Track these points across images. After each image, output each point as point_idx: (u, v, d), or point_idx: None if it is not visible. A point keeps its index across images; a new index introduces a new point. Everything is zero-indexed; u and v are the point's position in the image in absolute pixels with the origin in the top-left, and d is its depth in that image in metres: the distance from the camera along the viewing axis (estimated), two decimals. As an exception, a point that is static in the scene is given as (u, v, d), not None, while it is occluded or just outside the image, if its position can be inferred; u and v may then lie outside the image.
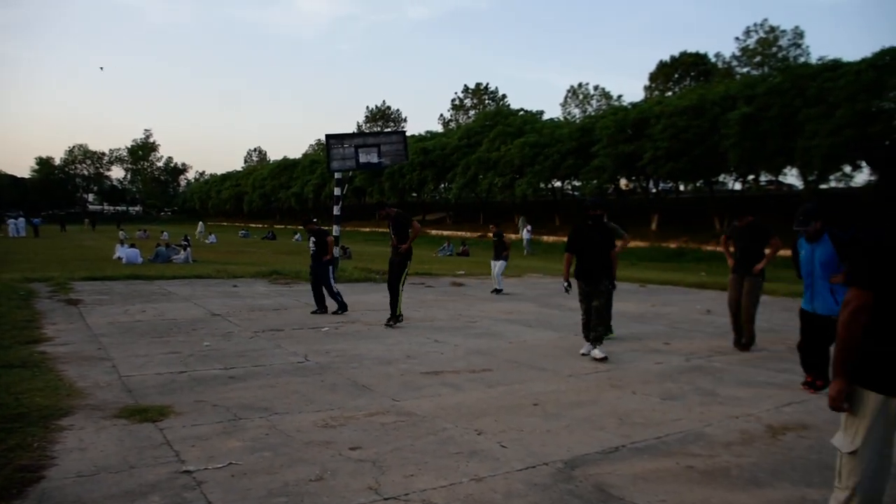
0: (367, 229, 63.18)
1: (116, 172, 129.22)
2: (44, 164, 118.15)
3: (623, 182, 46.05)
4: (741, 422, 5.54)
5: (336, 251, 18.66)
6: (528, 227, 39.61)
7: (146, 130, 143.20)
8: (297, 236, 53.57)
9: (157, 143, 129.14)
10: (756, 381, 7.06)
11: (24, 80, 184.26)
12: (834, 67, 31.74)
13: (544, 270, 21.70)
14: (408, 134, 33.99)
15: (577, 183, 50.14)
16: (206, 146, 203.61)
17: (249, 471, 4.13)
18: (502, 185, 48.96)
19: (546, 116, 56.31)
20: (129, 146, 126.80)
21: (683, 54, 68.81)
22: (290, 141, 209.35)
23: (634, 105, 44.42)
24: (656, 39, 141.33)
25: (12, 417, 4.90)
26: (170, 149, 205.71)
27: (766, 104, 32.76)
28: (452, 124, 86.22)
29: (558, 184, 52.48)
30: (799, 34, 62.79)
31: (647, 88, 71.85)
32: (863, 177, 34.42)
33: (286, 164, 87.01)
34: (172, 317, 10.22)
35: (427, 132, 67.25)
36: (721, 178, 43.35)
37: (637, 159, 38.22)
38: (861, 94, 28.82)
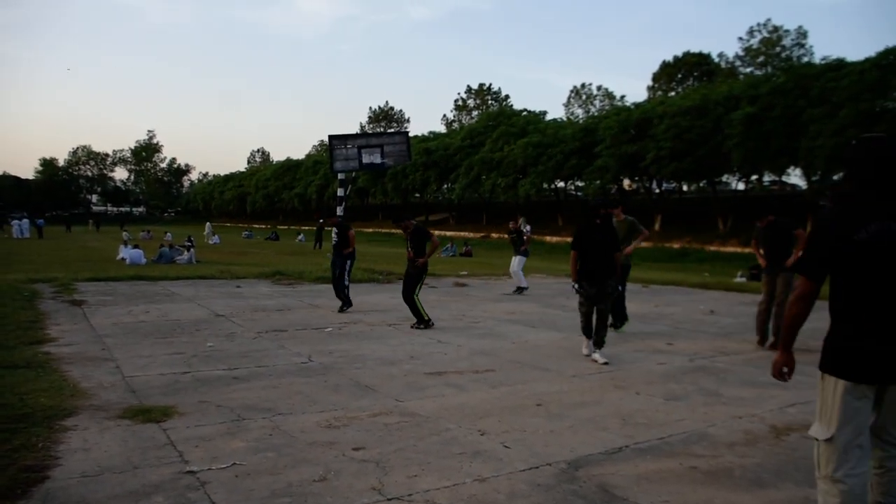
0: (371, 230, 63.31)
1: (120, 173, 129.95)
2: (47, 165, 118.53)
3: (626, 182, 46.06)
4: (745, 422, 5.54)
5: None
6: (528, 228, 39.57)
7: (149, 131, 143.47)
8: (300, 237, 53.63)
9: (160, 144, 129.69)
10: (760, 382, 7.05)
11: (27, 80, 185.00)
12: (838, 67, 31.75)
13: (547, 271, 21.69)
14: (411, 134, 34.01)
15: (580, 183, 50.16)
16: (210, 147, 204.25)
17: (253, 471, 4.13)
18: (505, 186, 49.00)
19: (549, 117, 56.45)
20: (132, 147, 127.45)
21: (687, 54, 68.85)
22: (294, 142, 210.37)
23: (637, 105, 44.46)
24: (659, 39, 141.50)
25: (17, 418, 4.91)
26: (173, 150, 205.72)
27: (769, 104, 32.76)
28: (455, 125, 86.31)
29: (561, 184, 52.54)
30: (802, 34, 62.88)
31: (650, 88, 71.98)
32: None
33: (289, 165, 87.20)
34: (176, 317, 10.23)
35: (430, 133, 67.39)
36: (724, 178, 43.42)
37: (640, 159, 38.24)
38: (865, 93, 28.83)
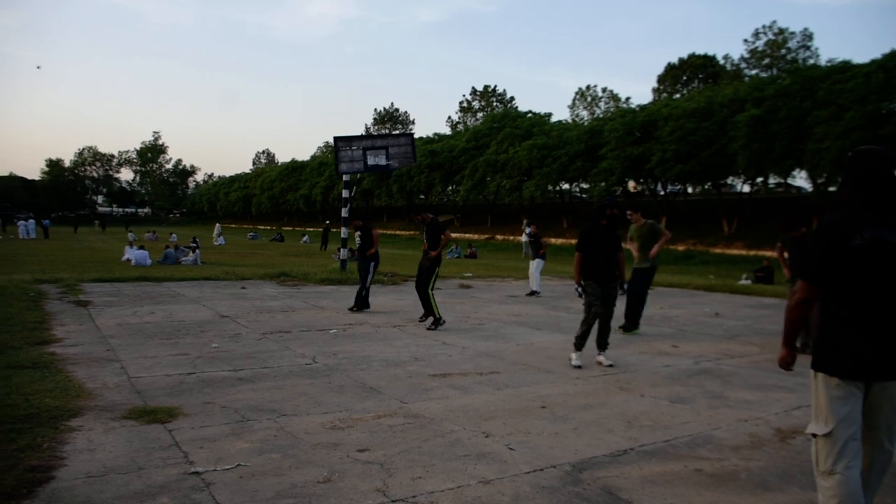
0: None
1: (125, 174, 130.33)
2: (54, 166, 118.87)
3: (631, 184, 46.00)
4: (750, 425, 5.52)
5: (343, 252, 18.79)
6: (528, 230, 39.51)
7: (155, 132, 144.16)
8: (305, 238, 53.69)
9: (165, 145, 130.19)
10: (765, 385, 7.04)
11: (33, 82, 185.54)
12: (843, 69, 31.70)
13: (552, 273, 21.65)
14: (416, 136, 34.03)
15: (585, 185, 50.11)
16: (215, 148, 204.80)
17: (258, 472, 4.14)
18: (510, 188, 48.97)
19: (554, 119, 56.30)
20: (138, 148, 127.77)
21: (692, 56, 68.85)
22: (299, 143, 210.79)
23: (643, 107, 44.41)
24: (664, 41, 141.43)
25: (22, 418, 4.93)
26: (179, 151, 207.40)
27: (774, 106, 32.72)
28: (460, 126, 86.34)
29: (566, 186, 52.47)
30: (808, 36, 62.83)
31: (655, 90, 71.99)
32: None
33: (294, 167, 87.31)
34: (181, 318, 10.24)
35: (435, 134, 67.35)
36: (729, 180, 43.31)
37: (645, 161, 38.21)
38: (871, 96, 28.77)
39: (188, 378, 6.54)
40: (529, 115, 56.33)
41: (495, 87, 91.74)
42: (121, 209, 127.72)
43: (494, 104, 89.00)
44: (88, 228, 72.03)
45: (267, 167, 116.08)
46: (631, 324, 10.35)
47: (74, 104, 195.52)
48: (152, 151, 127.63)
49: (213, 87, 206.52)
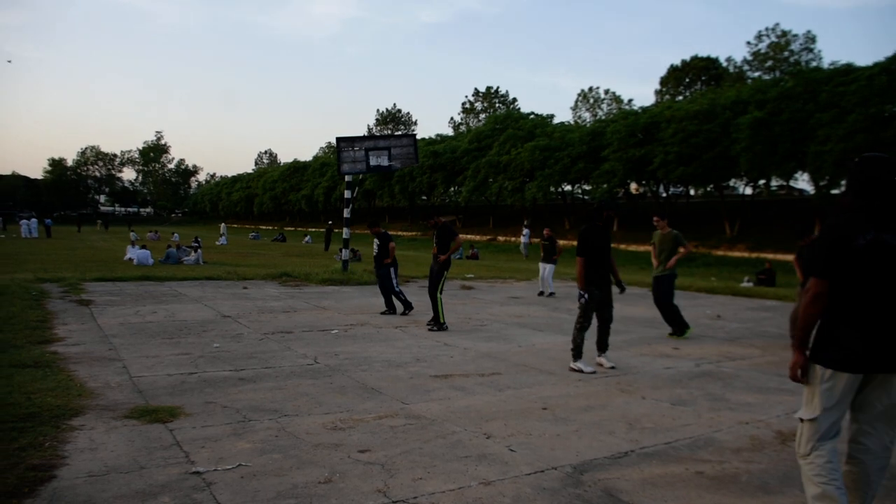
0: (377, 232, 63.12)
1: (128, 174, 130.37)
2: (56, 165, 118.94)
3: (633, 186, 45.99)
4: (751, 428, 5.52)
5: (346, 253, 18.80)
6: (526, 232, 39.44)
7: (157, 132, 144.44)
8: (307, 238, 53.70)
9: (168, 145, 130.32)
10: (766, 387, 7.04)
11: (36, 81, 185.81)
12: (846, 72, 31.65)
13: (553, 274, 21.63)
14: (418, 137, 34.02)
15: (587, 187, 50.04)
16: (217, 148, 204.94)
17: (259, 472, 4.14)
18: (512, 189, 48.91)
19: (556, 120, 56.23)
20: (140, 148, 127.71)
21: (694, 58, 68.76)
22: (301, 143, 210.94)
23: (645, 109, 44.34)
24: (667, 43, 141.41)
25: (24, 417, 4.94)
26: (181, 151, 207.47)
27: (777, 109, 32.67)
28: (463, 128, 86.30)
29: (568, 188, 52.45)
30: (811, 38, 62.71)
31: (657, 92, 71.87)
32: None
33: (297, 167, 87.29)
34: (183, 318, 10.26)
35: (437, 135, 67.30)
36: (732, 182, 43.25)
37: (647, 163, 38.16)
38: (874, 98, 28.72)
39: (190, 378, 6.55)
40: (532, 116, 56.28)
41: (498, 88, 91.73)
42: (123, 209, 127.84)
43: (497, 105, 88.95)
44: (91, 228, 72.07)
45: (269, 167, 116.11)
46: (678, 328, 10.40)
47: (77, 103, 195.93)
48: (155, 151, 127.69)
49: (216, 86, 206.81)
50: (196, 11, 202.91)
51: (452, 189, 61.19)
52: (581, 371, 7.52)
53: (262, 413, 5.44)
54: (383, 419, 5.40)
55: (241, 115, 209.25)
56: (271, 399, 5.89)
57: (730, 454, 4.83)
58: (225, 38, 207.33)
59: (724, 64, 68.01)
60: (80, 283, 13.95)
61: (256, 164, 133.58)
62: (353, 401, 5.96)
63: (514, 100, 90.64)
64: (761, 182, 43.79)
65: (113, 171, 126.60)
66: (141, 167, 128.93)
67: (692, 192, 49.03)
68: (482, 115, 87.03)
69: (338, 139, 18.34)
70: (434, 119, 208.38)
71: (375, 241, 12.44)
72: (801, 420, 3.47)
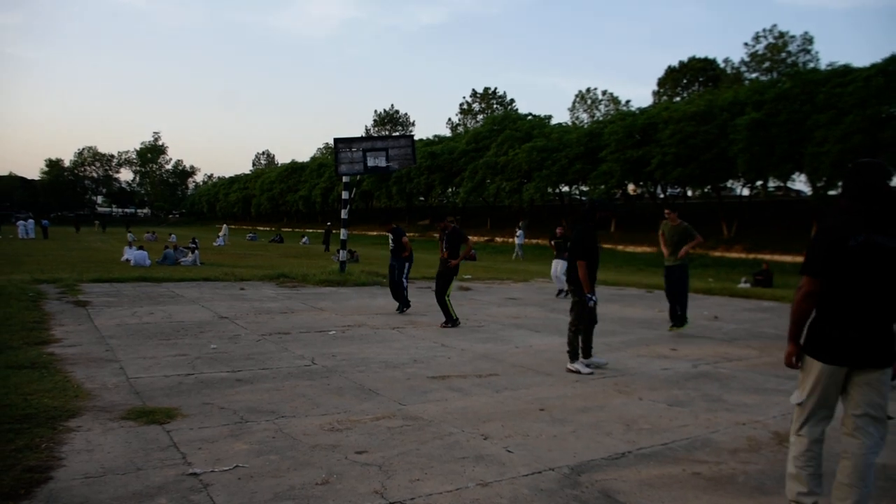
0: (375, 233, 63.29)
1: (125, 175, 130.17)
2: (53, 165, 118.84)
3: (631, 187, 46.03)
4: (748, 428, 5.53)
5: (343, 254, 18.79)
6: (520, 233, 39.42)
7: (155, 133, 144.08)
8: (304, 239, 53.68)
9: (165, 145, 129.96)
10: (763, 388, 7.04)
11: (34, 82, 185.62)
12: (843, 73, 31.73)
13: (550, 275, 21.65)
14: (416, 138, 34.03)
15: (584, 188, 50.09)
16: (215, 149, 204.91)
17: (256, 474, 4.14)
18: (510, 190, 48.98)
19: (554, 121, 56.35)
20: (137, 148, 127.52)
21: (692, 59, 68.91)
22: (299, 144, 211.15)
23: (643, 110, 44.45)
24: (665, 45, 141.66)
25: (20, 418, 4.92)
26: (178, 151, 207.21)
27: (774, 110, 32.75)
28: (460, 128, 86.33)
29: (566, 188, 52.50)
30: (808, 40, 62.89)
31: (655, 94, 71.98)
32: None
33: (294, 168, 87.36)
34: (180, 319, 10.24)
35: (435, 136, 67.39)
36: (729, 183, 43.34)
37: (645, 164, 38.25)
38: (871, 99, 28.81)
39: (187, 379, 6.54)
40: (529, 117, 56.36)
41: (495, 89, 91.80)
42: (120, 209, 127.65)
43: (494, 106, 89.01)
44: (88, 229, 71.99)
45: (267, 168, 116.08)
46: (680, 321, 10.81)
47: (74, 104, 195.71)
48: (152, 152, 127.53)
49: (214, 87, 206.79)
50: (194, 12, 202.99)
51: (450, 190, 61.28)
52: (579, 372, 7.52)
53: (259, 414, 5.43)
54: (380, 420, 5.40)
55: (238, 116, 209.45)
56: (268, 400, 5.88)
57: (727, 455, 4.84)
58: (223, 38, 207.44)
59: (722, 65, 68.17)
60: (77, 284, 13.92)
61: (254, 164, 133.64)
62: (351, 402, 5.96)
63: (512, 101, 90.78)
64: (759, 183, 43.89)
65: (110, 172, 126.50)
66: (138, 168, 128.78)
67: (690, 192, 49.08)
68: (480, 116, 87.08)
69: (335, 140, 18.33)
70: (432, 120, 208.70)
71: (390, 236, 12.52)
72: (794, 404, 3.83)
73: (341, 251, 19.03)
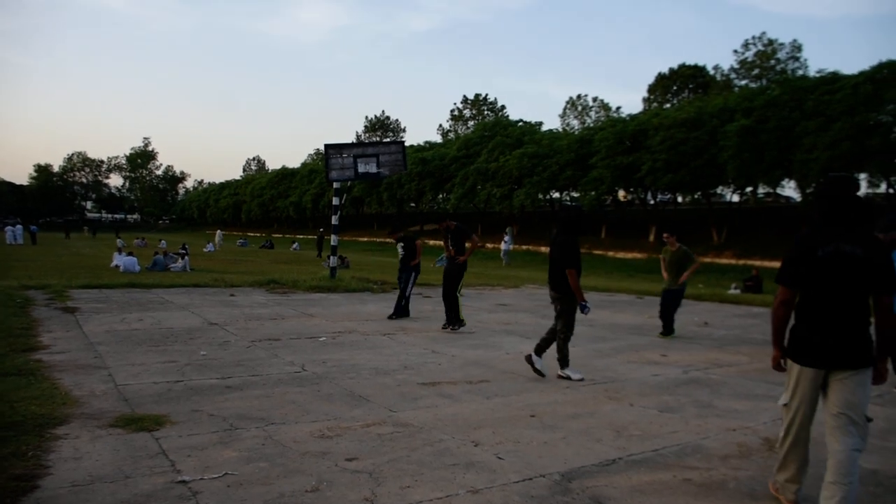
0: (365, 239, 63.27)
1: (115, 180, 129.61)
2: (42, 171, 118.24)
3: (621, 193, 46.16)
4: (738, 434, 5.54)
5: (333, 260, 18.76)
6: (507, 238, 39.42)
7: (145, 139, 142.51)
8: (295, 245, 53.56)
9: (155, 151, 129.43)
10: (754, 394, 7.06)
11: (23, 86, 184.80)
12: (832, 80, 31.90)
13: (541, 281, 21.66)
14: (407, 144, 34.02)
15: (575, 194, 50.16)
16: (205, 155, 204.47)
17: (245, 481, 4.11)
18: (500, 196, 48.99)
19: (545, 128, 56.45)
20: (127, 154, 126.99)
21: (682, 66, 69.22)
22: (289, 150, 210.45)
23: (633, 117, 44.55)
24: (655, 51, 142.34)
25: (7, 426, 4.88)
26: (168, 157, 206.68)
27: (764, 117, 32.90)
28: (451, 135, 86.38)
29: (556, 195, 52.55)
30: (797, 47, 63.12)
31: (645, 100, 72.25)
32: (860, 190, 34.48)
33: (285, 174, 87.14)
34: (169, 325, 10.19)
35: (426, 142, 67.38)
36: (719, 190, 43.49)
37: (635, 171, 38.33)
38: (859, 107, 28.97)
39: (176, 386, 6.50)
40: (520, 123, 56.42)
41: (486, 95, 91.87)
42: (110, 215, 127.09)
43: (485, 113, 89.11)
44: (77, 234, 71.66)
45: (257, 174, 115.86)
46: (667, 329, 11.07)
47: (64, 109, 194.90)
48: (142, 157, 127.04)
49: (204, 93, 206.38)
50: (185, 18, 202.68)
51: (441, 196, 61.25)
52: (569, 378, 7.51)
53: (248, 421, 5.40)
54: (371, 427, 5.38)
55: (229, 122, 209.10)
56: (258, 407, 5.85)
57: (717, 461, 4.84)
58: (214, 44, 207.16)
59: (712, 72, 68.45)
60: (66, 291, 13.83)
61: (244, 170, 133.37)
62: (341, 409, 5.93)
63: (503, 107, 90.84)
64: (748, 189, 44.05)
65: (100, 178, 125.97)
66: (128, 173, 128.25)
67: (680, 199, 49.18)
68: (471, 123, 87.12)
69: (326, 146, 18.31)
70: (423, 126, 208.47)
71: (400, 244, 12.49)
72: (781, 405, 4.11)
73: (332, 257, 19.01)
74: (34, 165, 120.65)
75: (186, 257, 25.15)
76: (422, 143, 66.69)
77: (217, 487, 4.00)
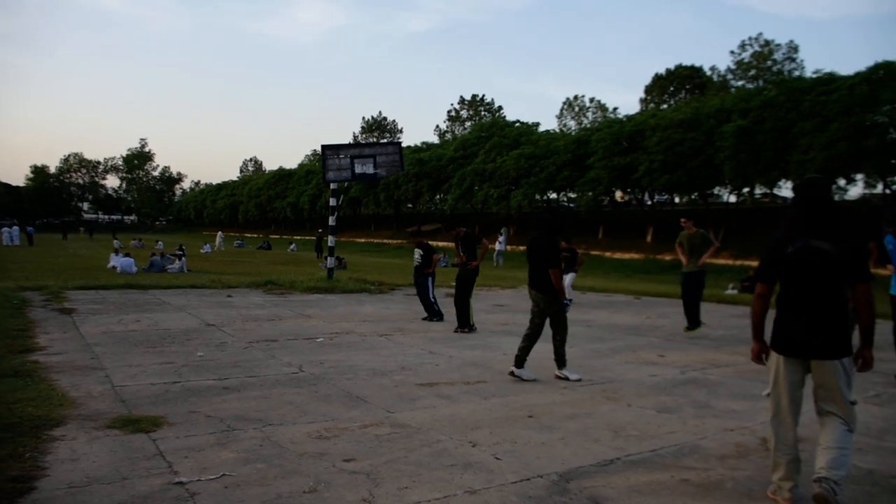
0: (363, 240, 63.26)
1: (111, 181, 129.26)
2: (39, 172, 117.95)
3: (618, 194, 46.18)
4: (736, 434, 5.54)
5: (331, 261, 18.76)
6: (501, 239, 39.40)
7: (142, 139, 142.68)
8: (292, 246, 53.53)
9: (152, 152, 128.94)
10: (751, 394, 7.06)
11: (20, 87, 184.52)
12: (828, 81, 31.94)
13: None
14: (404, 145, 34.03)
15: (572, 195, 50.20)
16: (202, 156, 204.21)
17: (242, 482, 4.10)
18: (498, 197, 49.00)
19: (542, 128, 56.44)
20: (124, 155, 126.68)
21: (679, 67, 69.27)
22: (287, 151, 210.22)
23: (630, 117, 44.60)
24: (652, 52, 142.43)
25: (4, 427, 4.87)
26: (166, 158, 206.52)
27: (760, 117, 32.94)
28: (448, 135, 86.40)
29: (553, 195, 52.57)
30: (793, 48, 63.34)
31: (642, 101, 72.33)
32: (856, 190, 34.59)
33: (282, 174, 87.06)
34: (166, 326, 10.18)
35: (423, 143, 67.36)
36: (716, 190, 43.52)
37: (632, 171, 38.35)
38: (855, 108, 29.01)
39: (173, 387, 6.50)
40: (517, 124, 56.42)
41: (483, 96, 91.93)
42: (106, 216, 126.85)
43: (483, 113, 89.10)
44: (74, 235, 71.53)
45: (254, 175, 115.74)
46: (693, 323, 11.23)
47: (60, 110, 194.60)
48: (139, 158, 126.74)
49: (202, 94, 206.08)
50: (182, 18, 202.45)
51: (438, 197, 61.23)
52: (567, 378, 7.51)
53: (246, 422, 5.39)
54: (368, 428, 5.38)
55: (226, 123, 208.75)
56: (256, 408, 5.84)
57: (715, 461, 4.84)
58: (212, 45, 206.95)
59: (708, 73, 68.56)
60: (63, 292, 13.81)
61: (241, 171, 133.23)
62: (338, 409, 5.93)
63: (500, 108, 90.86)
64: (745, 190, 44.11)
65: (96, 179, 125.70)
66: (125, 174, 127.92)
67: (677, 199, 49.25)
68: (468, 123, 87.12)
69: (323, 147, 18.31)
70: (420, 127, 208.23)
71: (418, 251, 12.56)
72: (765, 395, 4.32)
73: (329, 258, 19.00)
74: (31, 166, 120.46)
75: (184, 258, 25.12)
76: (419, 144, 66.70)
77: (214, 489, 3.99)
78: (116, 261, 22.95)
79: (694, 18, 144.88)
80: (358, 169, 17.75)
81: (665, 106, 61.31)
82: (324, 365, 7.86)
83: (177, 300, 13.57)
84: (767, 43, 64.21)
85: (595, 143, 41.41)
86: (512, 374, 7.53)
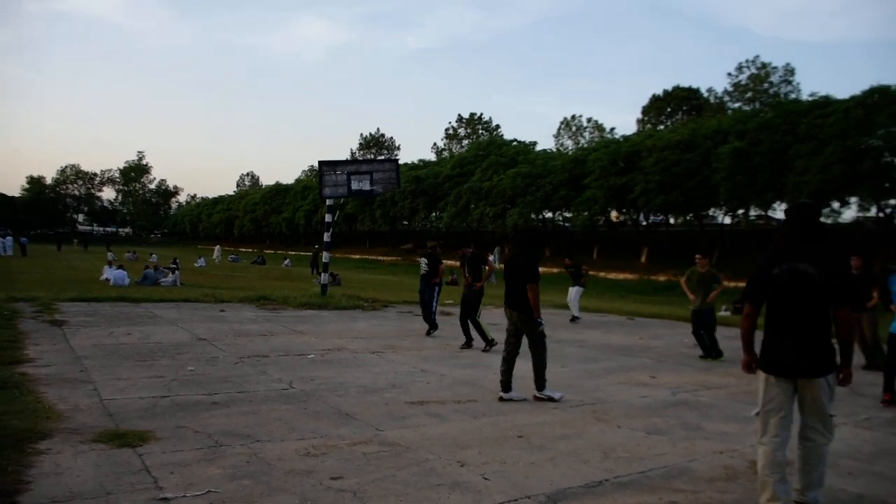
0: (357, 256, 63.24)
1: (108, 193, 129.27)
2: (35, 183, 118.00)
3: (614, 214, 46.28)
4: (725, 457, 5.52)
5: (325, 277, 18.72)
6: (492, 258, 39.42)
7: (139, 152, 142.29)
8: (286, 261, 53.43)
9: (149, 165, 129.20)
10: (742, 417, 7.04)
11: (18, 99, 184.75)
12: (824, 104, 32.16)
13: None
14: (401, 162, 34.10)
15: (568, 214, 50.32)
16: (199, 169, 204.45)
17: (228, 499, 4.07)
18: (494, 215, 49.10)
19: (539, 147, 56.70)
20: (121, 167, 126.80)
21: (676, 88, 69.60)
22: (283, 166, 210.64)
23: (627, 138, 44.85)
24: (650, 73, 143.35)
25: (-12, 440, 4.82)
26: (162, 171, 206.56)
27: (757, 139, 33.12)
28: (445, 153, 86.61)
29: (549, 214, 52.69)
30: (790, 71, 63.68)
31: (639, 122, 72.62)
32: (850, 213, 34.71)
33: (278, 190, 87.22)
34: (157, 340, 10.13)
35: (420, 160, 67.56)
36: (711, 211, 43.66)
37: (628, 191, 38.48)
38: (850, 131, 29.20)
39: (162, 401, 6.45)
40: (514, 143, 56.67)
41: (481, 114, 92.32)
42: (101, 228, 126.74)
43: (480, 132, 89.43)
44: (68, 247, 71.38)
45: (251, 189, 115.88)
46: (716, 353, 11.37)
47: (58, 121, 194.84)
48: (136, 171, 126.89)
49: (199, 108, 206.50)
50: (181, 33, 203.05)
51: (434, 214, 61.33)
52: (551, 399, 7.46)
53: (234, 438, 5.36)
54: (357, 446, 5.34)
55: (224, 137, 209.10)
56: (244, 424, 5.81)
57: (703, 484, 4.82)
58: (210, 59, 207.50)
59: (705, 94, 68.90)
60: (54, 303, 13.74)
61: (238, 185, 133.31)
62: (327, 427, 5.90)
63: (498, 126, 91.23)
64: (740, 212, 44.24)
65: (92, 190, 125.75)
66: (121, 187, 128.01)
67: (672, 220, 49.39)
68: (465, 142, 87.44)
69: (320, 163, 18.32)
70: (417, 144, 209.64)
71: (424, 260, 12.66)
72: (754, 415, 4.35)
73: (323, 274, 18.97)
74: (27, 177, 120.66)
75: (177, 272, 25.05)
76: (416, 161, 66.91)
77: (199, 505, 3.95)
78: (109, 273, 22.89)
79: (692, 40, 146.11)
80: (355, 185, 17.75)
81: (662, 127, 61.57)
82: (314, 381, 7.82)
83: (169, 314, 13.52)
84: (764, 65, 64.65)
85: (592, 163, 41.59)
86: (501, 399, 7.43)
